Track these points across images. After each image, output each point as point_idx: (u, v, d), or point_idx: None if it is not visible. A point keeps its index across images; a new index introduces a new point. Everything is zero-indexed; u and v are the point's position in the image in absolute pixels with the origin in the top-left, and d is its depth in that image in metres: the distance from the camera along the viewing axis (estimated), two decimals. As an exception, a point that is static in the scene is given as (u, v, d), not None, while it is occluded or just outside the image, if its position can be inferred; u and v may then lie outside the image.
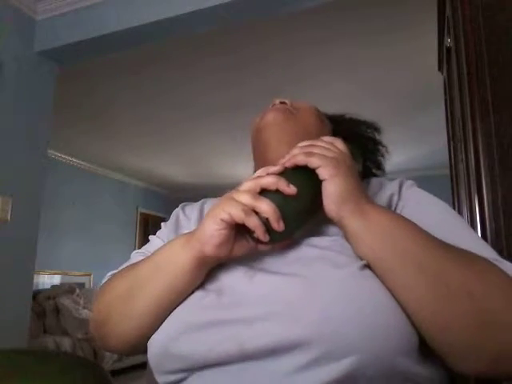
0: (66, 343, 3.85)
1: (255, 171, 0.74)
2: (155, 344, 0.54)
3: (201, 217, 0.71)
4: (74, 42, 2.24)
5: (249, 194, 0.51)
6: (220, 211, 0.51)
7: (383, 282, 0.48)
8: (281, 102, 0.74)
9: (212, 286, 0.55)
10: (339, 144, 0.58)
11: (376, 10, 2.45)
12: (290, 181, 0.53)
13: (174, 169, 5.87)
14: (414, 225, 0.51)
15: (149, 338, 0.55)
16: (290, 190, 0.52)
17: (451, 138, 1.61)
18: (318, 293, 0.48)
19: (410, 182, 0.67)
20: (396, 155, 4.92)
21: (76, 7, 2.25)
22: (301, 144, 0.57)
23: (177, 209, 0.76)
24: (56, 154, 4.98)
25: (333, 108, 0.89)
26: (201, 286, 0.56)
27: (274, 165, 0.56)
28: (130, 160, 5.46)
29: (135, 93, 3.55)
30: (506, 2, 0.95)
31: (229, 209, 0.50)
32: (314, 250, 0.55)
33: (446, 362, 0.48)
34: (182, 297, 0.55)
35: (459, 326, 0.45)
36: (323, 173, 0.53)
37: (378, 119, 0.87)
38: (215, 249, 0.52)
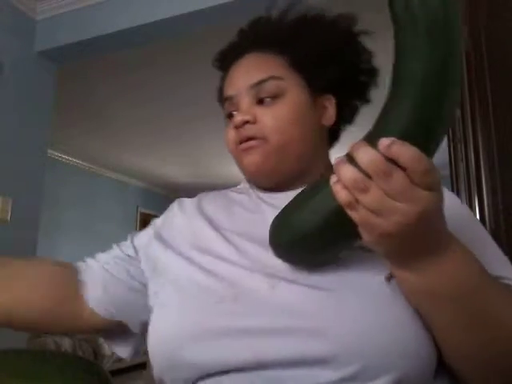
0: (66, 343, 3.85)
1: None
2: (163, 348, 0.51)
3: (199, 212, 0.66)
4: (73, 42, 2.24)
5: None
6: None
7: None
8: (245, 122, 0.59)
9: (227, 291, 0.51)
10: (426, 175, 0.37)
11: (374, 15, 2.44)
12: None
13: (174, 169, 5.86)
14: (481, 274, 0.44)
15: None
16: None
17: (451, 138, 1.61)
18: (346, 307, 0.45)
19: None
20: (396, 155, 4.91)
21: (76, 7, 2.25)
22: (366, 158, 0.37)
23: (172, 206, 0.72)
24: (56, 154, 4.97)
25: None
26: (216, 289, 0.52)
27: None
28: (130, 160, 5.45)
29: (135, 93, 3.54)
30: (506, 2, 0.95)
31: None
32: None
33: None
34: None
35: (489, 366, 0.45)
36: (364, 238, 0.41)
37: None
38: None
